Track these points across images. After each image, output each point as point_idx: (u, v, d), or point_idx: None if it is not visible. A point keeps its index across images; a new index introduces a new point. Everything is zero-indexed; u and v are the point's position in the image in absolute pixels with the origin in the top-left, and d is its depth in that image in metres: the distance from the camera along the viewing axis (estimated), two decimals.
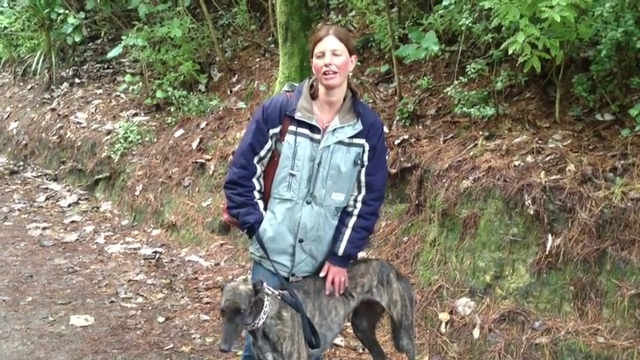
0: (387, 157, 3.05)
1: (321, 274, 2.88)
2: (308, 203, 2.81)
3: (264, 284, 2.71)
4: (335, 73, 2.69)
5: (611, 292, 3.47)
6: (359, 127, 2.80)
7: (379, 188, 2.91)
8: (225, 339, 2.52)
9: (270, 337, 2.70)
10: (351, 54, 2.76)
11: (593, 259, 3.55)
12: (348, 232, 2.86)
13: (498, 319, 3.77)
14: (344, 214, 2.90)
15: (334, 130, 2.77)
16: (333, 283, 2.88)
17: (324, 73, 2.70)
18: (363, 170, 2.86)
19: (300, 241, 2.83)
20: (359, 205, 2.88)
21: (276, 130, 2.79)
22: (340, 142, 2.78)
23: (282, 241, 2.83)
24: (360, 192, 2.88)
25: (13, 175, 8.88)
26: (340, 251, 2.86)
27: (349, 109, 2.81)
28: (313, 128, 2.77)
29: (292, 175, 2.77)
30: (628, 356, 3.26)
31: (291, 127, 2.77)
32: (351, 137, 2.80)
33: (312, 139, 2.77)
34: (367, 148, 2.83)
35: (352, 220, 2.87)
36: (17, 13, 10.28)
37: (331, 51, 2.69)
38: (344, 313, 2.97)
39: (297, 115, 2.76)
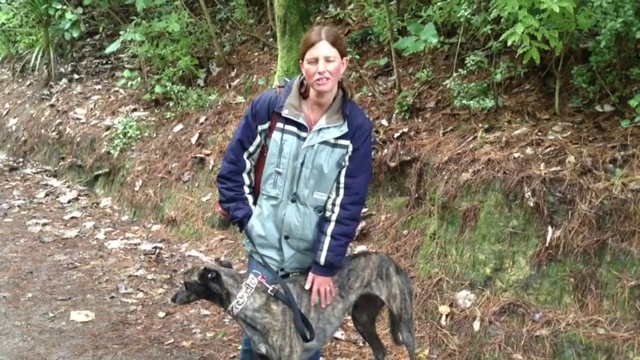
0: (372, 162, 2.96)
1: (307, 286, 2.81)
2: (293, 202, 2.80)
3: (230, 275, 2.77)
4: (328, 79, 2.65)
5: (611, 283, 3.47)
6: (344, 128, 2.75)
7: (358, 192, 2.81)
8: (175, 294, 2.89)
9: (259, 328, 2.74)
10: (343, 56, 2.71)
11: (594, 250, 3.55)
12: (327, 240, 2.77)
13: (498, 311, 3.76)
14: (322, 219, 2.83)
15: (319, 130, 2.74)
16: (318, 293, 2.82)
17: (317, 80, 2.65)
18: (344, 171, 2.79)
19: (286, 237, 2.83)
20: (337, 209, 2.79)
21: (265, 126, 2.79)
22: (325, 143, 2.74)
23: (269, 236, 2.85)
24: (338, 194, 2.80)
25: (12, 171, 8.88)
26: (322, 261, 2.78)
27: (337, 109, 2.77)
28: (301, 126, 2.74)
29: (278, 172, 2.77)
30: (628, 347, 3.26)
31: (279, 124, 2.75)
32: (337, 138, 2.75)
33: (299, 137, 2.75)
34: (351, 149, 2.78)
35: (331, 227, 2.78)
36: (15, 9, 10.26)
37: (324, 58, 2.63)
38: (342, 307, 2.96)
39: (285, 113, 2.73)
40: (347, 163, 2.78)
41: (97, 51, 10.37)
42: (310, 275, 2.82)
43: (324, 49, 2.64)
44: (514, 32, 3.66)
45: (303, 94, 2.79)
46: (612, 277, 3.47)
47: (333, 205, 2.80)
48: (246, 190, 2.86)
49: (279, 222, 2.82)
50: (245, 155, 2.82)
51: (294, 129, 2.74)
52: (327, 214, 2.82)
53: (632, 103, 3.81)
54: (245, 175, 2.85)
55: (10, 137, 10.09)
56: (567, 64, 4.43)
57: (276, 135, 2.75)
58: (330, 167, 2.77)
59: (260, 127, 2.79)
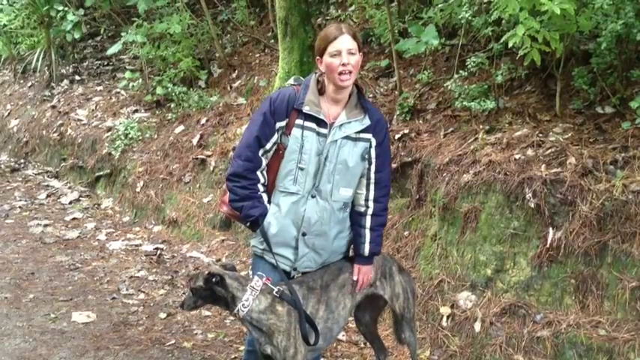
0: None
1: (354, 277, 2.94)
2: (313, 197, 2.82)
3: (226, 278, 2.75)
4: (350, 72, 2.71)
5: (612, 284, 3.47)
6: (367, 122, 2.82)
7: (387, 184, 2.96)
8: (182, 300, 2.93)
9: (264, 330, 2.75)
10: (360, 50, 2.77)
11: (594, 251, 3.55)
12: (368, 233, 2.92)
13: (499, 312, 3.77)
14: (357, 215, 2.93)
15: (341, 125, 2.79)
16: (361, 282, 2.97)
17: (341, 73, 2.70)
18: (372, 167, 2.88)
19: (304, 234, 2.84)
20: (371, 204, 2.91)
21: (283, 123, 2.79)
22: (347, 137, 2.80)
23: (285, 234, 2.84)
24: (369, 190, 2.90)
25: (14, 172, 8.88)
26: (366, 252, 2.92)
27: (355, 104, 2.84)
28: (320, 122, 2.78)
29: (301, 168, 2.79)
30: (629, 348, 3.27)
31: (298, 121, 2.78)
32: (358, 132, 2.82)
33: (318, 134, 2.78)
34: (374, 143, 2.86)
35: (369, 221, 2.92)
36: (17, 10, 10.25)
37: (347, 50, 2.69)
38: (350, 306, 2.99)
39: (306, 109, 2.76)
40: (374, 160, 2.87)
41: (99, 52, 10.38)
42: (355, 267, 2.95)
43: (346, 42, 2.70)
44: (515, 34, 3.66)
45: (320, 91, 2.83)
46: (613, 279, 3.47)
47: (367, 200, 2.92)
48: (261, 188, 2.84)
49: (298, 218, 2.82)
50: (261, 152, 2.81)
51: (313, 125, 2.78)
52: (362, 209, 2.92)
53: (633, 104, 3.82)
54: (259, 173, 2.83)
55: (11, 138, 10.10)
56: (568, 65, 4.44)
57: (296, 131, 2.78)
58: (355, 161, 2.82)
59: (278, 125, 2.79)
